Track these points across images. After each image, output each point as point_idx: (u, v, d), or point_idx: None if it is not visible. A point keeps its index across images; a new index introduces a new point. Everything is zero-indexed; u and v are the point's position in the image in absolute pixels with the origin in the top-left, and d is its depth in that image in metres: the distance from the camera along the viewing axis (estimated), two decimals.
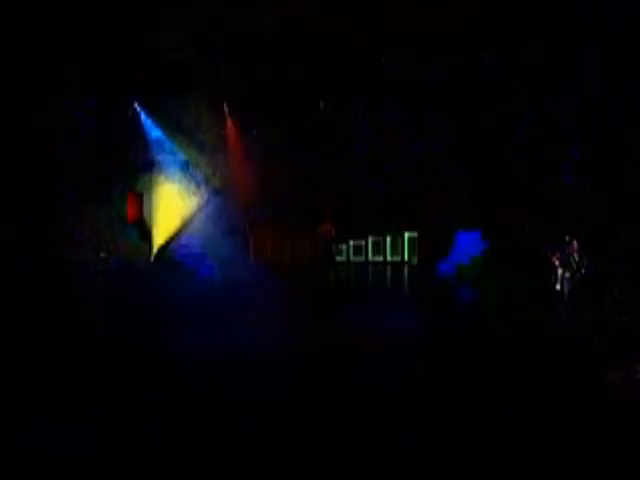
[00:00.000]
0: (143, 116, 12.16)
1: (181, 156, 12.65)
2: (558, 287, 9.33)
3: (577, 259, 9.14)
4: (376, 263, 14.78)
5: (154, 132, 12.38)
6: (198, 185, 12.80)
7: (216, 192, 12.94)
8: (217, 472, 3.28)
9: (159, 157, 12.54)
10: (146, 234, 12.53)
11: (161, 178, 12.60)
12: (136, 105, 12.02)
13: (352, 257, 14.85)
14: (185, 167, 12.71)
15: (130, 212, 12.03)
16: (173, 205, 12.70)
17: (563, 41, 9.56)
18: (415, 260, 14.09)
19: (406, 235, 14.39)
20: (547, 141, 10.66)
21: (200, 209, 12.88)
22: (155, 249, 12.66)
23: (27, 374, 4.78)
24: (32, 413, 3.96)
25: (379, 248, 14.88)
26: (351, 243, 14.69)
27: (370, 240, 14.79)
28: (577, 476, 3.30)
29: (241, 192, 12.97)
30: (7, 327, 6.34)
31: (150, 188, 12.57)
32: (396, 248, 14.67)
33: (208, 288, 11.30)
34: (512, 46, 10.06)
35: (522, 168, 11.16)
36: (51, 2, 8.89)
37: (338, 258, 14.37)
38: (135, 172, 12.34)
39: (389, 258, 14.77)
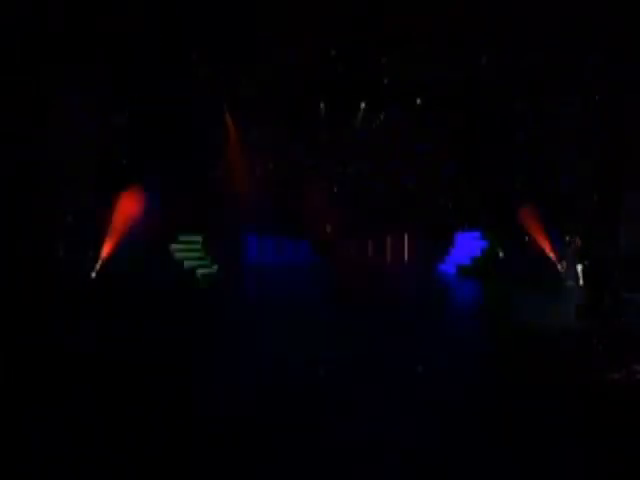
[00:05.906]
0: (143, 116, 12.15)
1: None
2: (558, 287, 9.36)
3: (577, 259, 9.17)
4: (376, 263, 14.81)
5: None
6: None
7: (216, 192, 12.97)
8: (217, 472, 3.30)
9: None
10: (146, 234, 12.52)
11: None
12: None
13: (352, 257, 14.88)
14: None
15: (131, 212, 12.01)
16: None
17: (564, 41, 9.57)
18: (417, 260, 14.15)
19: (405, 235, 14.44)
20: (547, 141, 10.69)
21: (200, 209, 12.90)
22: (154, 249, 12.65)
23: (19, 374, 4.79)
24: (29, 413, 3.98)
25: (379, 248, 14.91)
26: (350, 243, 14.72)
27: (370, 240, 14.82)
28: (578, 476, 3.31)
29: (241, 192, 13.01)
30: (5, 327, 6.36)
31: None
32: (395, 248, 14.70)
33: (207, 288, 11.33)
34: (513, 47, 10.08)
35: (522, 168, 11.19)
36: (51, 2, 8.90)
37: (337, 258, 14.41)
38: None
39: (389, 258, 14.80)
